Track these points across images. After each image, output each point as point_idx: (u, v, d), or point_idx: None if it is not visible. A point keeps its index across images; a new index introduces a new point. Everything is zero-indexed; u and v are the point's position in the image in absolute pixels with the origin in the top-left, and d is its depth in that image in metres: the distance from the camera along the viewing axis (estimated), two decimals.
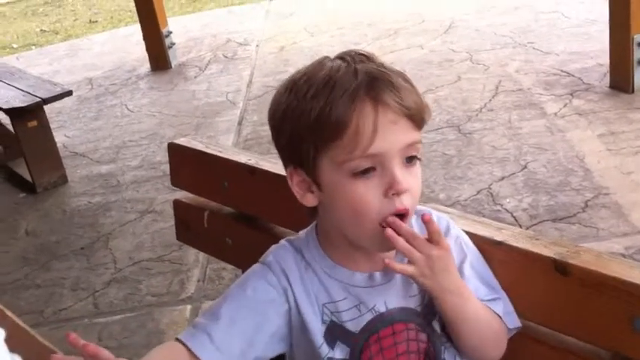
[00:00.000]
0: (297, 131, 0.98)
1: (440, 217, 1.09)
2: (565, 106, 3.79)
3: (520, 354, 1.08)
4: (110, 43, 6.98)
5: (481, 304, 1.03)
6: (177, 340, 1.00)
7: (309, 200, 1.03)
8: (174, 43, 5.71)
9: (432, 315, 1.05)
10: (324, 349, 1.03)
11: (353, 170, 0.95)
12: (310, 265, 1.05)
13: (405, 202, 0.97)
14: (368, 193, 0.96)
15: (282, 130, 1.01)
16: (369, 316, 1.03)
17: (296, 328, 1.04)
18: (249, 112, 4.52)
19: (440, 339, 1.06)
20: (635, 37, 3.70)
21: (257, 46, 5.90)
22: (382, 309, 1.03)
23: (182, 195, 1.70)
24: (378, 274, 1.04)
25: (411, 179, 0.97)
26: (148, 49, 5.67)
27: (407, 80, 0.99)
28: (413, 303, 1.05)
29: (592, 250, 1.02)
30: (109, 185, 3.91)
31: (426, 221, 0.98)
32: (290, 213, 1.40)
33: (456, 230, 1.09)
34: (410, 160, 0.98)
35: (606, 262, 0.99)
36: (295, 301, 1.03)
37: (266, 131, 1.08)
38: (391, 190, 0.95)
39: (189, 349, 0.98)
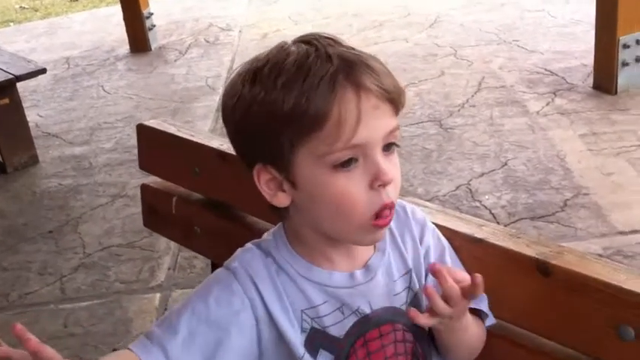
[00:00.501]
0: (267, 125, 0.90)
1: (415, 210, 1.06)
2: (547, 104, 3.76)
3: (498, 357, 1.03)
4: (90, 23, 6.85)
5: (472, 320, 0.98)
6: (130, 349, 0.92)
7: (281, 200, 0.95)
8: (154, 25, 5.61)
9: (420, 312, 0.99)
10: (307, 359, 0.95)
11: (334, 163, 0.88)
12: (283, 268, 0.96)
13: (390, 194, 0.91)
14: (352, 187, 0.89)
15: (246, 126, 0.93)
16: (353, 319, 0.96)
17: (269, 341, 0.95)
18: None
19: (427, 337, 1.01)
20: (620, 38, 3.68)
21: (239, 32, 5.82)
22: (367, 310, 0.96)
23: (151, 179, 1.63)
24: (358, 273, 0.98)
25: (393, 168, 0.92)
26: (127, 31, 5.57)
27: (381, 63, 0.93)
28: (398, 302, 0.99)
29: (575, 250, 0.98)
30: (81, 167, 3.82)
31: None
32: (262, 201, 1.35)
33: (431, 223, 1.06)
34: (389, 147, 0.92)
35: (590, 263, 0.94)
36: (267, 311, 0.94)
37: None
38: (377, 181, 0.89)
39: None
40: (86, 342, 2.50)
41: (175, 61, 5.32)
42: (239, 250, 1.02)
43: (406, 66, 4.50)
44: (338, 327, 0.95)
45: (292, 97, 0.87)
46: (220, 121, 4.46)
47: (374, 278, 0.98)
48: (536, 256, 0.96)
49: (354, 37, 5.24)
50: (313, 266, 0.96)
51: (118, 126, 4.26)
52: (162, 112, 4.31)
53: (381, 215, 0.91)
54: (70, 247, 3.10)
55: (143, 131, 1.55)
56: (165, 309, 2.62)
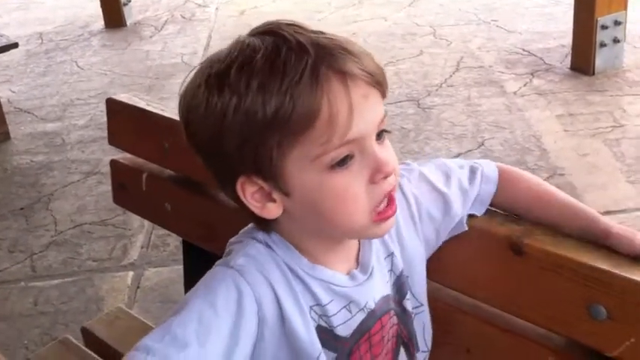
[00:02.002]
0: (247, 135, 0.80)
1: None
2: (525, 85, 3.76)
3: (470, 336, 1.03)
4: None
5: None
6: None
7: (272, 211, 0.85)
8: (130, 1, 5.51)
9: (402, 295, 0.97)
10: (323, 358, 0.88)
11: (330, 163, 0.80)
12: (288, 265, 0.88)
13: (391, 181, 0.84)
14: (352, 185, 0.82)
15: (221, 139, 0.81)
16: (361, 316, 0.91)
17: (268, 342, 0.86)
18: None
19: (409, 317, 0.98)
20: (598, 19, 3.68)
21: (217, 8, 5.73)
22: (372, 305, 0.92)
23: (122, 156, 1.60)
24: (357, 272, 0.92)
25: (391, 156, 0.85)
26: (102, 6, 5.46)
27: (358, 45, 0.84)
28: (388, 288, 0.95)
29: (549, 229, 0.96)
30: (54, 144, 3.75)
31: None
32: None
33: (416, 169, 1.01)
34: (380, 135, 0.84)
35: (563, 242, 0.93)
36: (280, 311, 0.85)
37: None
38: (379, 174, 0.82)
39: None
40: (57, 320, 2.47)
41: (151, 37, 5.23)
42: (237, 245, 0.90)
43: (385, 45, 4.47)
44: (345, 326, 0.90)
45: (273, 99, 0.78)
46: None
47: (373, 273, 0.93)
48: (509, 235, 0.95)
49: (332, 15, 5.20)
50: (316, 265, 0.89)
51: (91, 102, 4.19)
52: (136, 89, 4.24)
53: (388, 203, 0.85)
54: (41, 225, 3.05)
55: (113, 106, 1.51)
56: (138, 287, 2.59)
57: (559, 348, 0.94)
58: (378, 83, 0.82)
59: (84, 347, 1.60)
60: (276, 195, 0.84)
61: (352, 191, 0.82)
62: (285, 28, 0.82)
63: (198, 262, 1.56)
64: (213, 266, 0.89)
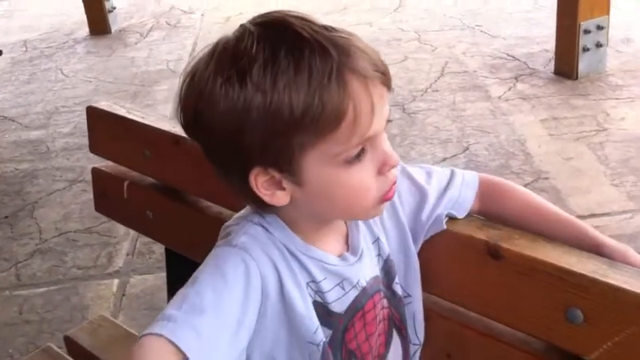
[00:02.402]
0: (271, 132, 0.81)
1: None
2: (509, 89, 3.79)
3: (450, 340, 1.03)
4: (49, 5, 6.67)
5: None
6: (154, 334, 0.80)
7: (280, 199, 0.88)
8: (114, 8, 5.50)
9: (390, 278, 1.00)
10: (320, 334, 0.91)
11: (348, 159, 0.84)
12: (284, 244, 0.91)
13: (395, 172, 0.90)
14: (365, 177, 0.86)
15: (242, 134, 0.82)
16: (354, 293, 0.94)
17: (270, 319, 0.89)
18: None
19: (399, 301, 1.00)
20: (581, 24, 3.71)
21: (202, 15, 5.74)
22: (364, 283, 0.95)
23: (104, 163, 1.59)
24: (347, 254, 0.96)
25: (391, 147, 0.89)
26: (87, 13, 5.45)
27: (362, 40, 0.87)
28: (377, 270, 0.99)
29: (527, 234, 0.97)
30: (38, 152, 3.73)
31: None
32: (216, 186, 1.31)
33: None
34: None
35: (542, 246, 0.93)
36: (280, 286, 0.89)
37: None
38: (386, 166, 0.87)
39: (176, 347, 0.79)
40: (42, 329, 2.45)
41: (136, 43, 5.22)
42: (234, 225, 0.93)
43: None
44: (339, 303, 0.93)
45: (301, 99, 0.79)
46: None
47: (362, 255, 0.96)
48: (487, 240, 0.95)
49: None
50: (309, 245, 0.92)
51: (76, 110, 4.17)
52: (122, 96, 4.23)
53: (388, 193, 0.90)
54: (25, 233, 3.03)
55: (93, 114, 1.50)
56: (123, 295, 2.58)
57: (538, 352, 0.94)
58: (387, 81, 0.86)
59: (67, 356, 1.59)
60: (286, 184, 0.87)
61: (365, 183, 0.87)
62: (294, 21, 0.83)
63: (181, 270, 1.56)
64: (215, 247, 0.91)
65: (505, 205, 1.06)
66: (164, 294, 1.67)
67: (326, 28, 0.85)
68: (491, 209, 1.06)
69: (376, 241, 0.99)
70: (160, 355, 0.79)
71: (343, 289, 0.93)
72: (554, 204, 3.04)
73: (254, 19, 0.86)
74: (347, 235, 0.97)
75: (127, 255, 2.80)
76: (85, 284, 2.66)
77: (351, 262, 0.95)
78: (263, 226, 0.91)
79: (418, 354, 1.03)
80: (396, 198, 0.99)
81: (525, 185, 2.91)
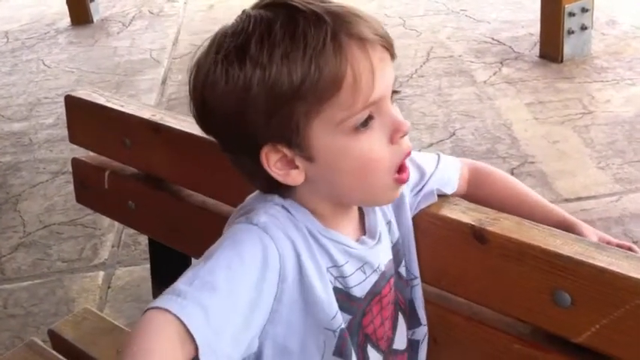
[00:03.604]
0: (274, 105, 0.81)
1: None
2: (495, 74, 3.78)
3: (436, 325, 1.02)
4: None
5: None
6: (161, 308, 0.76)
7: (295, 178, 0.86)
8: None
9: (398, 261, 0.99)
10: (338, 320, 0.89)
11: (354, 126, 0.83)
12: (306, 226, 0.89)
13: (408, 142, 0.87)
14: (375, 146, 0.84)
15: (245, 113, 0.82)
16: (374, 277, 0.93)
17: (286, 302, 0.85)
18: (173, 71, 4.34)
19: (405, 283, 1.00)
20: (566, 7, 3.70)
21: (185, 3, 5.69)
22: (383, 267, 0.95)
23: (85, 154, 1.57)
24: (365, 238, 0.94)
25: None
26: (68, 2, 5.39)
27: (362, 10, 0.86)
28: (391, 254, 0.98)
29: (513, 217, 0.95)
30: (21, 144, 3.68)
31: None
32: (198, 175, 1.30)
33: None
34: (392, 97, 0.87)
35: (527, 229, 0.92)
36: (299, 268, 0.86)
37: None
38: (398, 133, 0.85)
39: (183, 324, 0.75)
40: (27, 323, 2.42)
41: (118, 33, 5.17)
42: (255, 202, 0.91)
43: None
44: (360, 287, 0.92)
45: (298, 68, 0.80)
46: (166, 94, 4.37)
47: (381, 237, 0.95)
48: (473, 223, 0.94)
49: None
50: (330, 229, 0.91)
51: (58, 101, 4.12)
52: (104, 86, 4.18)
53: (403, 168, 0.87)
54: (9, 226, 2.99)
55: (72, 103, 1.48)
56: (109, 287, 2.56)
57: (524, 336, 0.93)
58: (389, 45, 0.85)
59: (51, 350, 1.57)
60: (299, 162, 0.86)
61: (376, 151, 0.84)
62: (292, 1, 0.83)
63: (166, 260, 1.55)
64: (233, 224, 0.88)
65: (487, 189, 1.07)
66: (150, 285, 1.66)
67: (322, 0, 0.84)
68: (475, 193, 1.07)
69: (388, 223, 0.99)
70: (164, 333, 0.74)
71: (364, 273, 0.92)
72: (541, 187, 3.05)
73: (255, 4, 0.86)
74: (361, 219, 0.96)
75: (113, 247, 2.77)
76: (70, 277, 2.64)
77: (371, 246, 0.94)
78: (285, 207, 0.89)
79: (427, 337, 1.02)
80: None
81: (512, 169, 2.90)
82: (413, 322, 1.02)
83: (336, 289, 0.89)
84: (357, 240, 0.94)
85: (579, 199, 2.70)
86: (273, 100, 0.81)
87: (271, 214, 0.87)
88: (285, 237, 0.86)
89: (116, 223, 2.87)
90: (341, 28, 0.81)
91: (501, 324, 0.95)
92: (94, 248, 2.78)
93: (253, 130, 0.84)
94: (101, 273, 2.63)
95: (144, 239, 2.74)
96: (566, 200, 2.69)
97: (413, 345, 1.02)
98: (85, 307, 1.72)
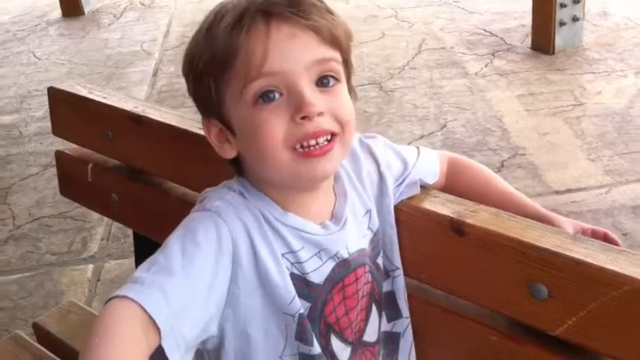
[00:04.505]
0: (197, 73, 0.89)
1: (361, 141, 1.03)
2: (486, 66, 3.77)
3: (415, 317, 1.01)
4: None
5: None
6: (123, 297, 0.78)
7: (227, 151, 0.92)
8: None
9: (377, 251, 0.98)
10: (296, 305, 0.89)
11: (254, 95, 0.85)
12: (260, 211, 0.90)
13: (322, 124, 0.85)
14: (272, 120, 0.84)
15: (187, 78, 0.92)
16: (331, 264, 0.92)
17: (242, 286, 0.86)
18: (164, 62, 4.33)
19: (383, 275, 1.00)
20: None
21: None
22: (345, 254, 0.93)
23: (69, 146, 1.56)
24: (329, 223, 0.94)
25: (329, 100, 0.86)
26: None
27: (320, 0, 0.88)
28: (365, 243, 0.97)
29: (491, 209, 0.95)
30: (11, 137, 3.67)
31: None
32: (180, 167, 1.29)
33: (376, 140, 1.05)
34: (324, 82, 0.86)
35: (505, 221, 0.92)
36: (254, 252, 0.87)
37: (182, 83, 0.96)
38: (298, 113, 0.84)
39: (143, 309, 0.77)
40: (16, 316, 2.42)
41: (109, 25, 5.15)
42: (210, 190, 0.93)
43: None
44: (318, 273, 0.91)
45: (208, 41, 0.87)
46: (157, 86, 4.35)
47: (345, 224, 0.94)
48: (451, 216, 0.94)
49: None
50: (288, 212, 0.91)
51: None
52: (95, 78, 4.17)
53: (305, 145, 0.85)
54: None
55: (54, 95, 1.47)
56: (98, 280, 2.55)
57: (502, 328, 0.93)
58: (316, 28, 0.85)
59: (35, 343, 1.56)
60: (229, 135, 0.91)
61: (271, 126, 0.85)
62: None
63: (150, 253, 1.54)
64: (190, 213, 0.91)
65: (464, 181, 1.08)
66: None
67: None
68: (453, 186, 1.07)
69: (367, 212, 0.98)
70: (126, 319, 0.76)
71: (320, 259, 0.92)
72: (531, 179, 3.05)
73: None
74: (335, 205, 0.96)
75: (102, 240, 2.76)
76: (59, 270, 2.63)
77: (332, 231, 0.93)
78: (241, 193, 0.91)
79: (410, 330, 1.02)
80: (386, 170, 1.00)
81: (502, 161, 2.90)
82: (393, 314, 1.01)
83: (293, 275, 0.90)
84: (321, 223, 0.93)
85: (569, 191, 2.70)
86: (195, 70, 0.89)
87: (225, 199, 0.90)
88: (238, 220, 0.88)
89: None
90: (254, 6, 0.85)
91: (480, 316, 0.95)
92: (84, 241, 2.77)
93: (195, 100, 0.93)
94: (90, 266, 2.63)
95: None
96: (557, 192, 2.70)
97: (393, 337, 1.02)
98: (70, 300, 1.72)
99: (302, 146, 0.85)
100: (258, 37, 0.84)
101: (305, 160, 0.86)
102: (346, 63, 0.91)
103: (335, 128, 0.86)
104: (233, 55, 0.85)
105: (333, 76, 0.87)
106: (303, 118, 0.84)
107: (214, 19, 0.88)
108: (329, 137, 0.86)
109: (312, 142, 0.85)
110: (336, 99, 0.87)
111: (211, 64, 0.87)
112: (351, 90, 0.94)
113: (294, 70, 0.84)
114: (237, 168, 0.94)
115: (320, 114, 0.85)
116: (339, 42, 0.88)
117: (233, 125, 0.89)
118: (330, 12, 0.88)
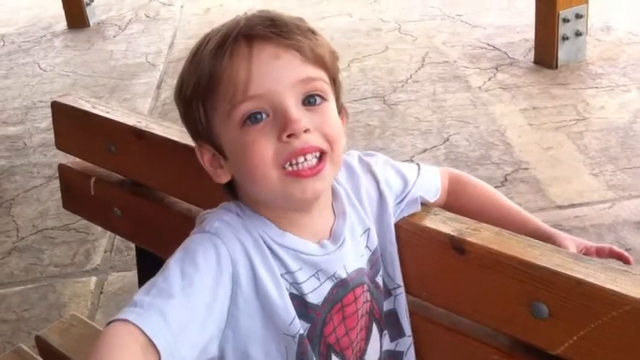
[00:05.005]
0: (186, 99, 0.91)
1: (360, 160, 1.04)
2: (489, 79, 3.78)
3: (416, 335, 1.01)
4: None
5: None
6: (123, 320, 0.78)
7: (221, 176, 0.93)
8: (92, 0, 5.44)
9: (376, 270, 0.98)
10: (296, 326, 0.89)
11: (241, 118, 0.86)
12: (258, 232, 0.91)
13: (310, 140, 0.86)
14: (260, 140, 0.86)
15: (177, 104, 0.94)
16: (329, 285, 0.93)
17: (242, 308, 0.87)
18: (169, 74, 4.34)
19: (382, 294, 1.00)
20: (560, 13, 3.70)
21: (181, 6, 5.69)
22: (343, 274, 0.93)
23: (72, 160, 1.56)
24: (327, 242, 0.94)
25: (315, 118, 0.87)
26: (64, 6, 5.39)
27: (300, 20, 0.90)
28: (363, 262, 0.97)
29: (493, 227, 0.95)
30: (15, 148, 3.68)
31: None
32: (182, 182, 1.29)
33: (375, 159, 1.05)
34: (310, 101, 0.88)
35: (506, 240, 0.92)
36: (253, 273, 0.88)
37: None
38: (284, 132, 0.85)
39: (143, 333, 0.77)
40: (19, 328, 2.42)
41: (114, 37, 5.17)
42: (209, 213, 0.94)
43: (350, 41, 4.47)
44: (316, 294, 0.92)
45: (193, 65, 0.89)
46: (161, 98, 4.37)
47: (343, 244, 0.94)
48: (452, 234, 0.94)
49: (298, 12, 5.16)
50: (285, 232, 0.92)
51: None
52: (99, 90, 4.19)
53: (294, 163, 0.86)
54: (2, 231, 2.99)
55: (58, 109, 1.48)
56: (101, 292, 2.55)
57: (503, 347, 0.93)
58: (298, 48, 0.87)
59: (37, 356, 1.56)
60: (221, 160, 0.92)
61: (258, 145, 0.86)
62: (251, 10, 0.91)
63: (153, 267, 1.54)
64: (190, 235, 0.92)
65: (466, 198, 1.09)
66: None
67: (270, 12, 0.91)
68: (454, 202, 1.07)
69: (366, 231, 0.98)
70: (125, 342, 0.76)
71: (318, 279, 0.92)
72: (534, 194, 3.04)
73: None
74: (333, 224, 0.96)
75: (105, 252, 2.77)
76: (62, 282, 2.63)
77: (330, 251, 0.93)
78: (238, 214, 0.92)
79: (412, 349, 1.02)
80: (386, 188, 1.00)
81: (505, 175, 2.90)
82: (395, 333, 1.01)
83: (292, 295, 0.90)
84: (319, 242, 0.93)
85: (572, 205, 2.69)
86: (185, 95, 0.91)
87: (224, 220, 0.90)
88: (237, 241, 0.88)
89: None
90: (239, 29, 0.87)
91: (481, 334, 0.95)
92: (87, 253, 2.77)
93: (186, 125, 0.95)
94: (93, 278, 2.63)
95: None
96: (559, 207, 2.69)
97: (397, 356, 1.02)
98: (72, 314, 1.72)
99: (291, 164, 0.86)
100: (240, 59, 0.86)
101: (295, 180, 0.86)
102: (334, 82, 0.92)
103: (323, 145, 0.87)
104: (217, 78, 0.86)
105: (319, 95, 0.88)
106: (289, 136, 0.85)
107: (200, 44, 0.90)
108: (318, 155, 0.87)
109: (301, 159, 0.86)
110: (323, 117, 0.88)
111: (198, 89, 0.88)
112: (340, 108, 0.94)
113: (279, 89, 0.86)
114: (232, 192, 0.95)
115: (306, 130, 0.86)
116: (323, 61, 0.89)
117: (224, 148, 0.90)
118: (312, 32, 0.90)
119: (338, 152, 0.89)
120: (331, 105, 0.90)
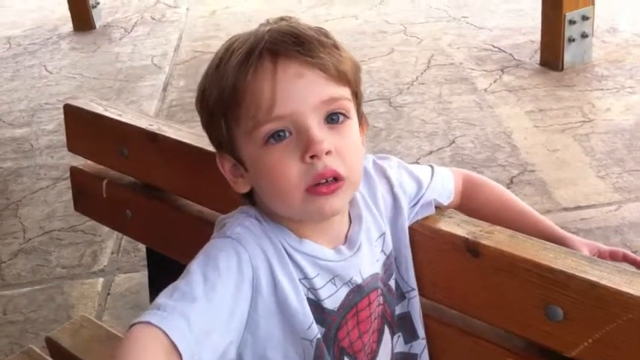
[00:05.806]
0: (208, 109, 0.91)
1: (375, 163, 1.04)
2: (495, 81, 3.78)
3: (430, 337, 1.02)
4: (33, 1, 6.62)
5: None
6: (146, 323, 0.79)
7: (241, 186, 0.94)
8: (98, 3, 5.46)
9: (389, 274, 0.99)
10: (314, 330, 0.90)
11: (264, 137, 0.86)
12: (278, 238, 0.91)
13: (330, 164, 0.86)
14: (284, 159, 0.86)
15: (199, 112, 0.94)
16: (345, 290, 0.93)
17: (262, 313, 0.88)
18: (175, 77, 4.35)
19: (395, 297, 1.00)
20: (566, 14, 3.70)
21: (187, 9, 5.70)
22: (359, 280, 0.94)
23: (83, 162, 1.57)
24: (343, 247, 0.94)
25: (337, 139, 0.86)
26: (70, 8, 5.40)
27: (325, 34, 0.89)
28: (378, 267, 0.97)
29: (507, 230, 0.96)
30: (22, 150, 3.69)
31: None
32: (194, 184, 1.30)
33: (389, 163, 1.05)
34: (333, 119, 0.87)
35: (520, 242, 0.92)
36: (273, 279, 0.88)
37: (193, 97, 0.97)
38: (307, 153, 0.84)
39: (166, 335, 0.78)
40: (26, 329, 2.42)
41: (120, 39, 5.18)
42: (229, 218, 0.94)
43: (356, 44, 4.47)
44: (332, 299, 0.92)
45: (217, 77, 0.88)
46: (167, 100, 4.38)
47: (360, 249, 0.95)
48: (466, 236, 0.94)
49: (303, 14, 5.17)
50: (303, 239, 0.92)
51: (60, 107, 4.06)
52: (106, 92, 4.20)
53: (315, 189, 0.86)
54: (9, 232, 2.99)
55: (70, 111, 1.48)
56: (109, 294, 2.56)
57: (518, 349, 0.93)
58: (323, 67, 0.86)
59: (48, 357, 1.57)
60: (242, 170, 0.92)
61: (283, 167, 0.86)
62: (275, 20, 0.91)
63: (163, 269, 1.55)
64: (210, 239, 0.92)
65: (479, 200, 1.09)
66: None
67: (292, 22, 0.90)
68: (468, 204, 1.08)
69: (382, 236, 0.99)
70: (148, 344, 0.77)
71: (335, 285, 0.92)
72: (540, 196, 3.04)
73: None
74: (349, 229, 0.97)
75: (112, 253, 2.77)
76: (69, 283, 2.63)
77: (346, 256, 0.93)
78: (258, 220, 0.92)
79: (426, 351, 1.02)
80: (400, 192, 1.00)
81: (511, 178, 2.90)
82: (409, 336, 1.01)
83: (309, 300, 0.91)
84: (334, 248, 0.94)
85: (578, 208, 2.69)
86: (208, 105, 0.90)
87: (245, 225, 0.91)
88: (258, 248, 0.89)
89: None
90: (264, 44, 0.86)
91: (495, 337, 0.95)
92: (94, 255, 2.78)
93: (208, 134, 0.95)
94: (100, 279, 2.63)
95: (143, 246, 2.73)
96: (566, 209, 2.69)
97: (411, 359, 1.02)
98: (82, 315, 1.73)
99: (311, 187, 0.87)
100: (265, 77, 0.85)
101: (314, 198, 0.87)
102: (355, 95, 0.92)
103: (341, 170, 0.87)
104: (241, 94, 0.86)
105: (342, 113, 0.88)
106: (312, 157, 0.85)
107: (224, 55, 0.89)
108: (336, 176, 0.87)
109: (322, 180, 0.86)
110: (344, 139, 0.88)
111: (220, 102, 0.88)
112: (361, 118, 0.95)
113: (302, 110, 0.85)
114: (251, 200, 0.96)
115: (328, 152, 0.86)
116: (346, 78, 0.89)
117: (245, 161, 0.91)
118: (337, 47, 0.89)
119: (356, 176, 0.90)
120: (353, 123, 0.90)
